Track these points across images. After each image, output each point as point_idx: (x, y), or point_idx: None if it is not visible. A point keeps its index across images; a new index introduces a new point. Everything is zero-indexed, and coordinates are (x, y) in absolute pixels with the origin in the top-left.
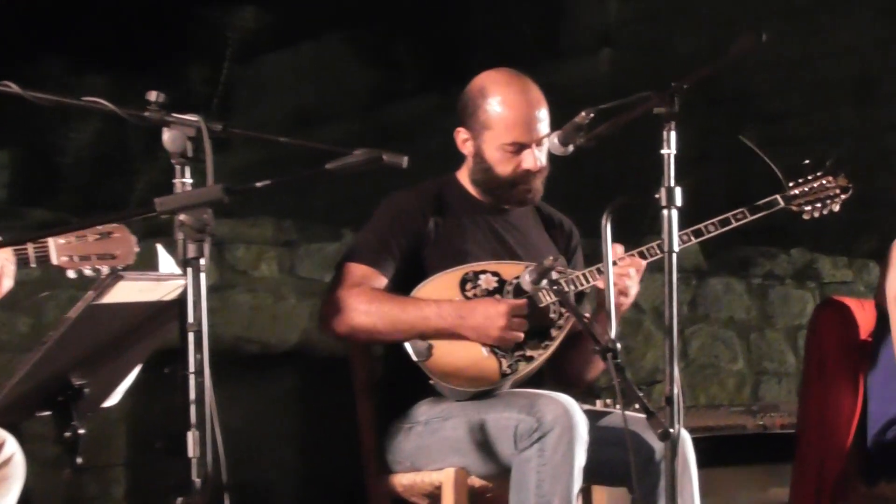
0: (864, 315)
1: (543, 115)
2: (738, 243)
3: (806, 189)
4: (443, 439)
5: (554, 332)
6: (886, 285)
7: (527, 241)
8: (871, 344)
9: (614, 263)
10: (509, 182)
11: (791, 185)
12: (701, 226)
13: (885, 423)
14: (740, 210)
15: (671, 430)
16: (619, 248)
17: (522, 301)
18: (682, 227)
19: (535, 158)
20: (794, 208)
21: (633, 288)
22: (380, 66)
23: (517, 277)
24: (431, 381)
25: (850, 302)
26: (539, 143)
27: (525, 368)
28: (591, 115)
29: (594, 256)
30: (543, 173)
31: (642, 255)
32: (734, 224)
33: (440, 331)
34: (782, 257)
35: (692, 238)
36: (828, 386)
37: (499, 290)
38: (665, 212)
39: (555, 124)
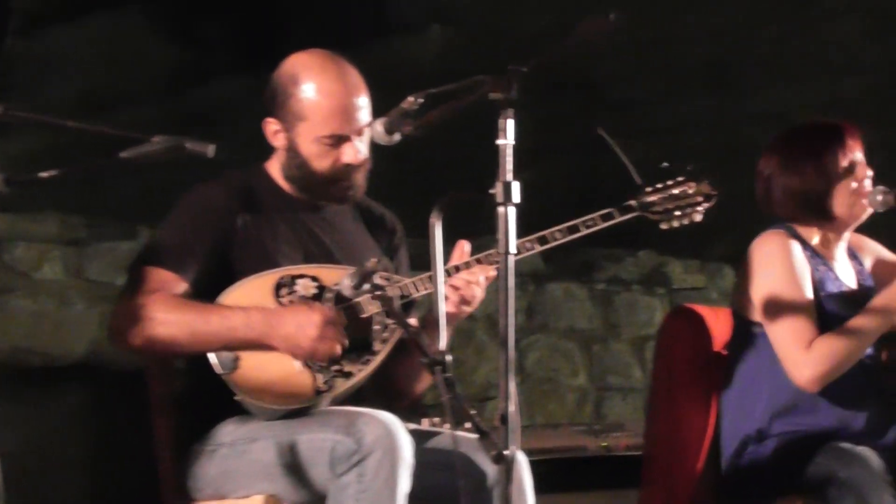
0: (718, 325)
1: (364, 103)
2: (580, 245)
3: (665, 196)
4: (250, 463)
5: (377, 346)
6: (751, 290)
7: (346, 241)
8: (725, 357)
9: (465, 266)
10: (327, 178)
11: (649, 190)
12: (546, 232)
13: (739, 444)
14: (590, 217)
15: (506, 452)
16: (468, 246)
17: (340, 312)
18: (520, 225)
19: (356, 151)
20: (651, 216)
21: (479, 296)
22: (184, 43)
23: (337, 283)
24: (237, 398)
25: (702, 310)
26: (360, 133)
27: (343, 385)
28: (420, 100)
29: (425, 259)
30: (365, 167)
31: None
32: (584, 232)
33: (247, 342)
34: (629, 260)
35: (536, 246)
36: (678, 403)
37: (318, 296)
38: (501, 209)
39: (378, 110)
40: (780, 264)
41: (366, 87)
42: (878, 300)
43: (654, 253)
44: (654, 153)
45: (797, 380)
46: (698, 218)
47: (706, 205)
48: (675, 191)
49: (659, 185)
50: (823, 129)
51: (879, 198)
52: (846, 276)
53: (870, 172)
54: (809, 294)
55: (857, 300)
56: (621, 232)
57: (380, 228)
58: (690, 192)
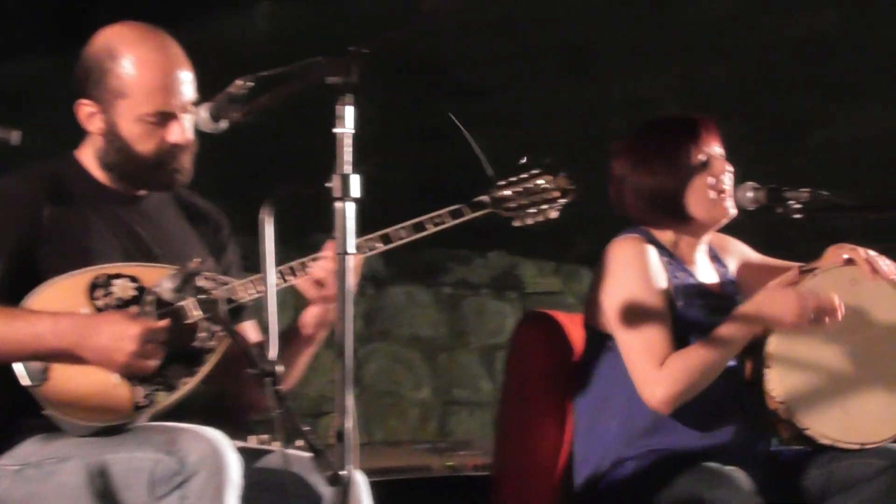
0: (575, 332)
1: (188, 77)
2: (425, 245)
3: (519, 190)
4: (59, 486)
5: (204, 356)
6: (602, 301)
7: (167, 238)
8: (580, 368)
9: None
10: (152, 162)
11: (501, 183)
12: (390, 230)
13: (592, 468)
14: (438, 214)
15: (342, 473)
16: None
17: (165, 322)
18: (360, 223)
19: (183, 129)
20: (504, 213)
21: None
22: None
23: (158, 285)
24: (46, 412)
25: (558, 316)
26: (185, 110)
27: (165, 399)
28: (250, 84)
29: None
30: (192, 149)
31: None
32: (431, 230)
33: (56, 351)
34: (477, 262)
35: (379, 245)
36: (531, 419)
37: (137, 299)
38: (339, 204)
39: (203, 94)
40: (632, 273)
41: (189, 62)
42: (741, 311)
43: (506, 254)
44: (507, 144)
45: (649, 400)
46: (554, 214)
47: (563, 200)
48: (530, 185)
49: (512, 179)
50: (675, 123)
51: (749, 195)
52: (708, 280)
53: (730, 168)
54: (664, 306)
55: (720, 306)
56: (470, 230)
57: (204, 224)
58: (546, 186)
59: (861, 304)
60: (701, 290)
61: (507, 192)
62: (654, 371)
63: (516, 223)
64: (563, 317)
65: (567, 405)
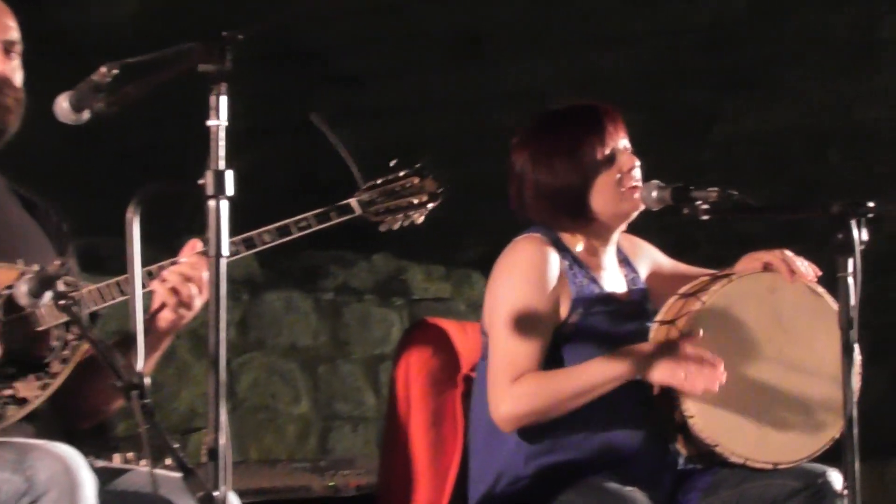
0: (466, 342)
1: (9, 15)
2: (304, 246)
3: (385, 193)
4: None
5: (56, 366)
6: (487, 304)
7: (12, 233)
8: (475, 381)
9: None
10: None
11: (368, 186)
12: (254, 234)
13: (488, 487)
14: (304, 217)
15: (215, 494)
16: (198, 245)
17: None
18: (235, 222)
19: (4, 59)
20: (372, 218)
21: (201, 297)
22: None
23: (9, 286)
24: None
25: (448, 325)
26: (9, 50)
27: (15, 414)
28: (115, 71)
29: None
30: (18, 95)
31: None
32: (296, 234)
33: None
34: (361, 265)
35: (241, 249)
36: (419, 435)
37: None
38: (212, 203)
39: (65, 82)
40: (519, 276)
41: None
42: (611, 359)
43: (392, 257)
44: (390, 136)
45: (492, 413)
46: (420, 220)
47: (431, 205)
48: (397, 187)
49: (379, 181)
50: (577, 113)
51: (654, 194)
52: (615, 286)
53: (637, 162)
54: (545, 318)
55: (626, 313)
56: (353, 231)
57: (46, 220)
58: (413, 189)
59: (781, 314)
60: (605, 297)
61: (374, 196)
62: (507, 385)
63: (382, 228)
64: (453, 325)
65: (458, 420)
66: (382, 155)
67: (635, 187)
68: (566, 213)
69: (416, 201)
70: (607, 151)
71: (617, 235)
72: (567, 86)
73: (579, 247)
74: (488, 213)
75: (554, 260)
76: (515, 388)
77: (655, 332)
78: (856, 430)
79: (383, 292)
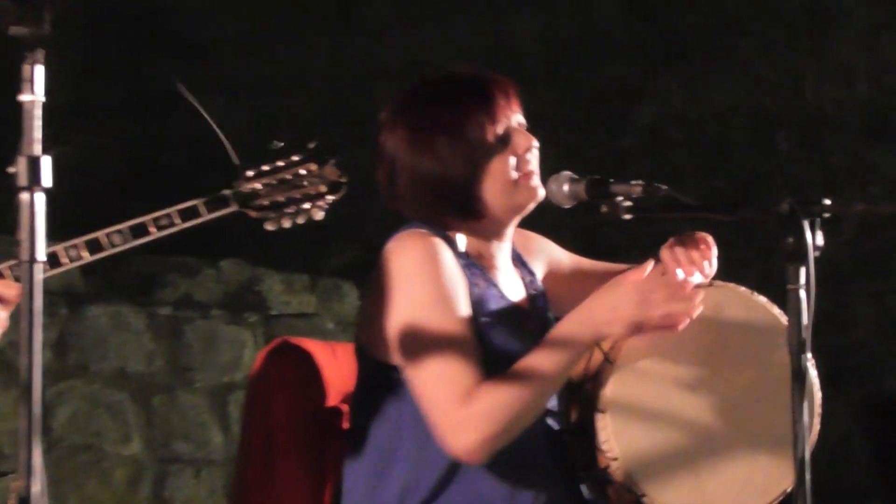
0: (336, 367)
1: None
2: (135, 251)
3: (274, 183)
4: None
5: None
6: (383, 318)
7: None
8: (352, 412)
9: None
10: None
11: (250, 174)
12: (100, 234)
13: None
14: (165, 213)
15: None
16: None
17: None
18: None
19: None
20: (254, 212)
21: (3, 319)
22: None
23: None
24: None
25: (314, 346)
26: None
27: None
28: None
29: None
30: None
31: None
32: (156, 235)
33: None
34: (206, 274)
35: (85, 254)
36: (279, 481)
37: None
38: (25, 196)
39: None
40: (420, 278)
41: None
42: (563, 328)
43: (244, 263)
44: (243, 117)
45: (453, 447)
46: (320, 215)
47: (332, 197)
48: (288, 176)
49: (266, 168)
50: (460, 83)
51: (566, 188)
52: (513, 291)
53: (535, 142)
54: (468, 321)
55: (530, 325)
56: (197, 232)
57: None
58: (311, 178)
59: (728, 340)
60: (508, 307)
61: (257, 186)
62: (459, 409)
63: (269, 226)
64: (319, 347)
65: (327, 463)
66: (237, 138)
67: (531, 172)
68: (451, 206)
69: (312, 192)
70: (499, 130)
71: (511, 231)
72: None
73: (468, 245)
74: (363, 210)
75: (450, 256)
76: (471, 410)
77: None
78: (809, 477)
79: (234, 307)
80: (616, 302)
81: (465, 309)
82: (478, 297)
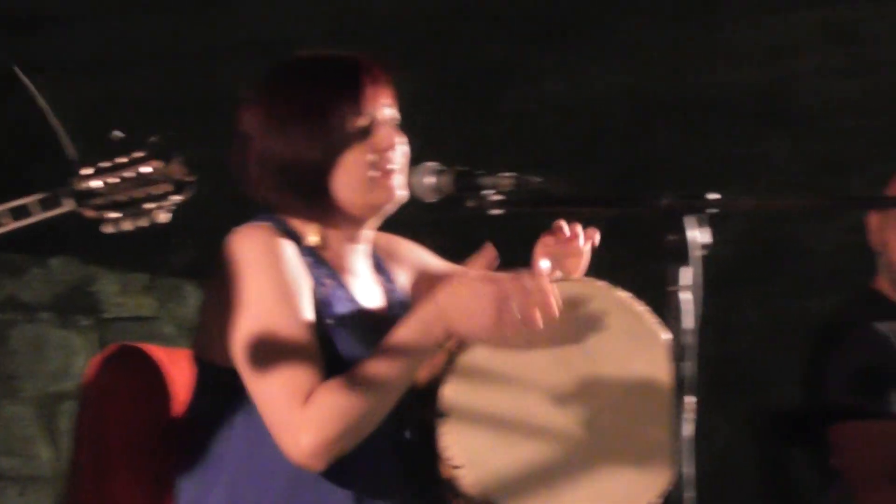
0: (180, 374)
1: None
2: None
3: (114, 181)
4: None
5: None
6: (221, 320)
7: None
8: (188, 423)
9: None
10: None
11: (87, 172)
12: None
13: None
14: None
15: None
16: None
17: None
18: None
19: None
20: (91, 214)
21: None
22: None
23: None
24: None
25: (154, 352)
26: None
27: None
28: None
29: None
30: None
31: None
32: None
33: None
34: (33, 273)
35: None
36: (111, 499)
37: None
38: None
39: None
40: (260, 276)
41: None
42: (410, 326)
43: (76, 262)
44: (77, 104)
45: (292, 450)
46: (164, 217)
47: (178, 197)
48: (130, 174)
49: (104, 164)
50: (330, 66)
51: (429, 181)
52: (368, 296)
53: (403, 141)
54: (309, 323)
55: (382, 332)
56: (22, 227)
57: None
58: (154, 176)
59: (586, 339)
60: (358, 312)
61: (96, 184)
62: (297, 412)
63: (108, 229)
64: (159, 352)
65: (168, 480)
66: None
67: (391, 172)
68: (298, 192)
69: (156, 192)
70: (362, 121)
71: (370, 232)
72: (315, 36)
73: (317, 240)
74: (209, 204)
75: (292, 254)
76: (309, 412)
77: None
78: (690, 495)
79: (64, 309)
80: (469, 299)
81: (306, 309)
82: (323, 298)
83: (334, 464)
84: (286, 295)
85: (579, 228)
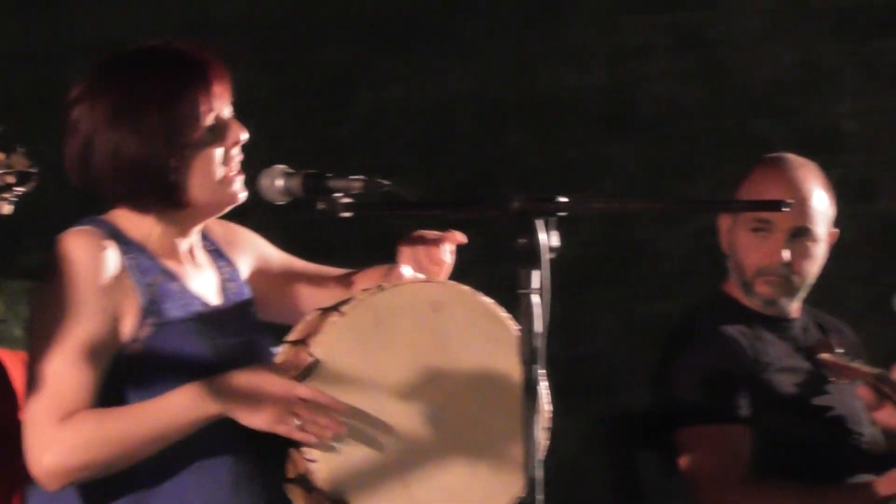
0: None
1: None
2: None
3: None
4: None
5: None
6: (34, 336)
7: None
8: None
9: None
10: None
11: None
12: None
13: None
14: None
15: None
16: None
17: None
18: None
19: None
20: None
21: None
22: None
23: None
24: None
25: (1, 355)
26: None
27: None
28: None
29: None
30: None
31: None
32: None
33: None
34: None
35: None
36: None
37: None
38: None
39: None
40: (62, 285)
41: None
42: (184, 394)
43: None
44: None
45: (33, 466)
46: (7, 209)
47: (21, 189)
48: None
49: None
50: (180, 61)
51: (279, 183)
52: (204, 286)
53: (245, 135)
54: (98, 340)
55: (220, 325)
56: None
57: None
58: None
59: (446, 340)
60: (192, 304)
61: None
62: (53, 426)
63: None
64: (6, 356)
65: (16, 481)
66: None
67: (235, 176)
68: (147, 193)
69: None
70: (212, 118)
71: (202, 225)
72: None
73: (155, 237)
74: (55, 203)
75: (111, 259)
76: (65, 433)
77: (283, 354)
78: (540, 497)
79: None
80: (259, 391)
81: (95, 327)
82: (152, 297)
83: (192, 461)
84: (73, 311)
85: (446, 240)
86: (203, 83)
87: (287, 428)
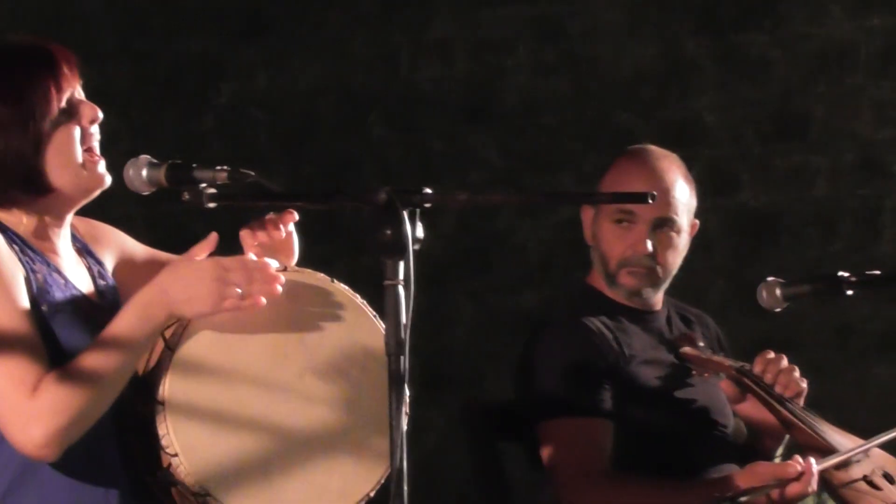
0: None
1: None
2: None
3: None
4: None
5: None
6: None
7: None
8: None
9: None
10: None
11: None
12: None
13: None
14: None
15: None
16: None
17: None
18: None
19: None
20: None
21: None
22: None
23: None
24: None
25: None
26: None
27: None
28: None
29: None
30: None
31: None
32: None
33: None
34: None
35: None
36: None
37: None
38: None
39: None
40: None
41: None
42: (127, 315)
43: None
44: None
45: (23, 443)
46: None
47: None
48: None
49: None
50: (25, 51)
51: (144, 173)
52: (78, 280)
53: (100, 113)
54: (27, 314)
55: (100, 317)
56: None
57: None
58: None
59: (303, 331)
60: (74, 296)
61: None
62: (25, 404)
63: None
64: None
65: None
66: None
67: (98, 159)
68: (13, 183)
69: None
70: (63, 101)
71: (71, 216)
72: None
73: (28, 226)
74: None
75: (3, 244)
76: (41, 401)
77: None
78: (403, 489)
79: None
80: (191, 278)
81: (22, 299)
82: (39, 285)
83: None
84: (3, 285)
85: (281, 220)
86: (49, 68)
87: (232, 301)
